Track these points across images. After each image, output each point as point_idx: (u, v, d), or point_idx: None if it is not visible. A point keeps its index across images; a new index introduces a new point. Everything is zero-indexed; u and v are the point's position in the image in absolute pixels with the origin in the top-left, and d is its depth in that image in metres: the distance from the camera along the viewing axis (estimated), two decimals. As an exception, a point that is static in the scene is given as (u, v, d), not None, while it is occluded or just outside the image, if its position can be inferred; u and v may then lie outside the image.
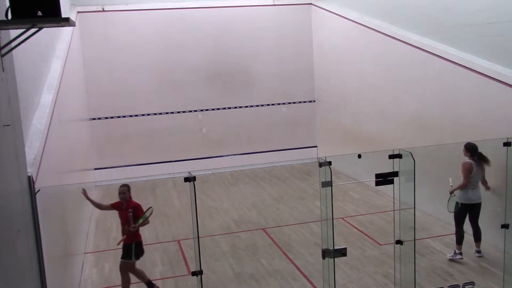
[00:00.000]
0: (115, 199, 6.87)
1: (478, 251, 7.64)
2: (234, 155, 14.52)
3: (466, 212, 7.53)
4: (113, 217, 10.71)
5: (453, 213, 7.60)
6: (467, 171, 7.38)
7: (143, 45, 13.58)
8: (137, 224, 6.61)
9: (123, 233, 6.70)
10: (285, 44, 14.58)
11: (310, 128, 15.08)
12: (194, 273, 5.53)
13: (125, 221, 6.64)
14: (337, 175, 12.07)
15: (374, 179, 5.57)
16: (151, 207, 6.83)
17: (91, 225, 10.25)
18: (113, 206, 6.82)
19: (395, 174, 5.58)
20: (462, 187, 7.43)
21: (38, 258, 4.59)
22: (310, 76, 14.88)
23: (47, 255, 4.82)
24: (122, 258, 6.80)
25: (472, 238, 7.95)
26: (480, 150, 7.40)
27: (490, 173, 7.93)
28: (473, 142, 7.43)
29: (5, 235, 3.68)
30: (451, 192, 7.54)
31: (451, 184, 7.55)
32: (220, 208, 10.83)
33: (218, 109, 14.36)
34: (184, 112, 14.12)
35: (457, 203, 7.49)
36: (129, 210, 6.61)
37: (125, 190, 6.68)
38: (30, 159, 4.75)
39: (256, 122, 14.64)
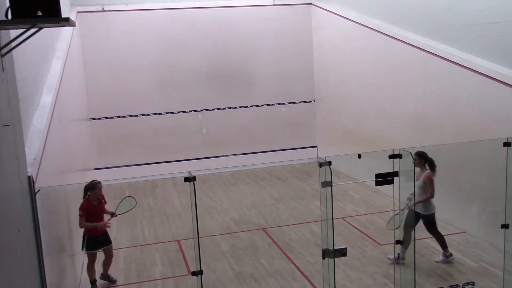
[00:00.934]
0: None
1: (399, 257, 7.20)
2: (234, 155, 14.52)
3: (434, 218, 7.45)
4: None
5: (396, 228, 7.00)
6: (433, 182, 7.22)
7: (143, 45, 13.58)
8: (121, 212, 7.15)
9: (96, 225, 6.97)
10: (285, 44, 14.58)
11: (310, 128, 15.08)
12: (194, 273, 5.53)
13: (103, 212, 7.07)
14: (337, 175, 12.07)
15: (374, 179, 5.56)
16: (130, 196, 7.31)
17: (91, 225, 10.23)
18: (85, 211, 6.88)
19: (395, 174, 5.57)
20: (429, 199, 7.28)
21: (38, 258, 4.59)
22: (310, 76, 14.88)
23: (47, 255, 4.82)
24: (110, 244, 7.29)
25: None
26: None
27: (491, 173, 7.94)
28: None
29: (5, 235, 3.68)
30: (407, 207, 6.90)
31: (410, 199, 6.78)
32: (220, 208, 10.83)
33: (218, 109, 14.36)
34: (184, 112, 14.12)
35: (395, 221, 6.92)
36: (103, 201, 7.09)
37: (101, 186, 6.99)
38: (30, 159, 4.75)
39: (256, 122, 14.64)
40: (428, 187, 7.24)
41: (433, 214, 7.43)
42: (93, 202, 6.89)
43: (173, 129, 14.03)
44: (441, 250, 7.58)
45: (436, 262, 7.56)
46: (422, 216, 7.39)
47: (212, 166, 14.03)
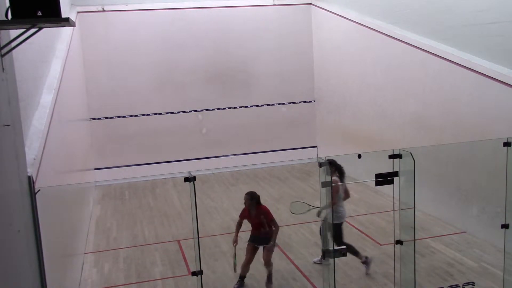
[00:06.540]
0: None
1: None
2: (234, 155, 14.51)
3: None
4: (113, 217, 10.73)
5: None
6: (336, 190, 7.11)
7: (143, 45, 13.58)
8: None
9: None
10: (285, 44, 14.58)
11: (310, 128, 15.07)
12: (194, 273, 5.52)
13: (258, 225, 7.06)
14: (337, 175, 12.04)
15: (374, 179, 5.56)
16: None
17: (91, 225, 10.25)
18: (241, 216, 7.23)
19: (395, 174, 5.57)
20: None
21: (38, 258, 4.59)
22: (310, 76, 14.88)
23: (47, 255, 4.82)
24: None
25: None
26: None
27: (491, 173, 7.94)
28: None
29: (5, 235, 3.68)
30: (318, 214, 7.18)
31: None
32: (220, 208, 10.82)
33: (218, 109, 14.36)
34: (184, 112, 14.12)
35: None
36: (262, 217, 6.99)
37: (246, 198, 7.07)
38: (30, 159, 4.75)
39: (256, 122, 14.64)
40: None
41: (339, 224, 7.24)
42: (250, 210, 7.07)
43: (173, 129, 14.03)
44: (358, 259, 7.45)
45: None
46: (336, 225, 7.22)
47: (212, 166, 14.02)
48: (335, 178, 7.13)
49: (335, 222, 7.04)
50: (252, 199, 6.99)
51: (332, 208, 6.64)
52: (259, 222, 6.99)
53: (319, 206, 6.98)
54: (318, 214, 7.19)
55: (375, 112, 11.62)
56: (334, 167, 7.13)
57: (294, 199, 11.12)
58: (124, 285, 7.46)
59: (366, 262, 7.38)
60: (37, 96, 6.38)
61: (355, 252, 7.31)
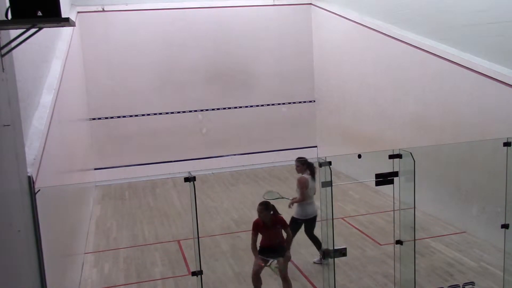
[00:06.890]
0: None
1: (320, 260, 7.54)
2: (234, 155, 14.52)
3: (301, 226, 7.57)
4: (113, 217, 10.73)
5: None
6: (304, 187, 7.39)
7: (143, 45, 13.58)
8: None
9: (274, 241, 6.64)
10: (285, 44, 14.59)
11: (310, 128, 15.07)
12: (194, 273, 5.52)
13: (274, 236, 6.61)
14: (337, 175, 12.07)
15: (374, 179, 5.56)
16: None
17: (91, 225, 10.25)
18: (255, 230, 6.57)
19: (395, 174, 5.57)
20: (299, 201, 7.48)
21: (38, 258, 4.59)
22: (310, 76, 14.88)
23: (47, 255, 4.82)
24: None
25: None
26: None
27: (491, 173, 7.94)
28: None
29: (5, 235, 3.68)
30: (290, 206, 7.60)
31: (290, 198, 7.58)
32: (220, 208, 10.82)
33: (218, 109, 14.36)
34: (184, 112, 14.12)
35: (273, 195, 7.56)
36: (278, 227, 6.58)
37: (261, 208, 6.50)
38: (30, 159, 4.74)
39: (256, 122, 14.64)
40: (299, 191, 7.45)
41: (310, 219, 7.54)
42: (265, 221, 6.50)
43: (173, 129, 14.03)
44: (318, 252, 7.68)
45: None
46: (309, 219, 7.53)
47: (212, 166, 14.01)
48: (305, 176, 7.53)
49: (297, 217, 7.53)
50: (268, 209, 6.45)
51: (300, 203, 7.49)
52: (275, 233, 6.55)
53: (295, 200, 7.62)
54: (289, 206, 7.64)
55: (375, 112, 11.62)
56: (305, 165, 7.57)
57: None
58: (124, 285, 7.46)
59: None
60: (37, 96, 6.38)
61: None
